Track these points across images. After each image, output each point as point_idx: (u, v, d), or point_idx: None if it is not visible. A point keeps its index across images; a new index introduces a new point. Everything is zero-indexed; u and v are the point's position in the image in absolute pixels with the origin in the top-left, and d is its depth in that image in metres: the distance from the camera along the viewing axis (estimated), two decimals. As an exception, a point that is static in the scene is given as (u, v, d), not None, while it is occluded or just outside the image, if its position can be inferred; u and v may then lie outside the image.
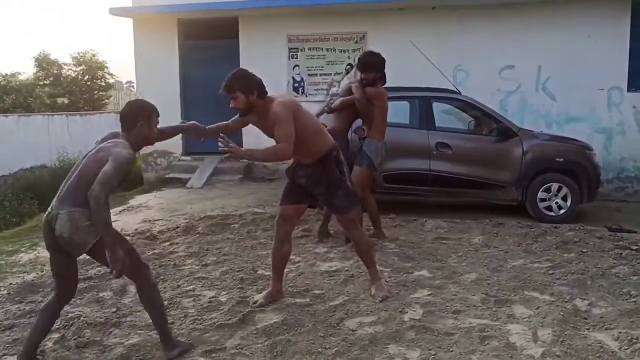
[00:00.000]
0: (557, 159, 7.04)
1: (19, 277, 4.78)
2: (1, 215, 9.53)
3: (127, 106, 3.30)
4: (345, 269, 4.82)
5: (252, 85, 3.61)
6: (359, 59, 5.55)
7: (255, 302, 4.00)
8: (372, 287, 4.20)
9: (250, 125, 3.90)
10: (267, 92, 3.69)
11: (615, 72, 8.97)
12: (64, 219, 2.96)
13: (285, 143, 3.54)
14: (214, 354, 3.28)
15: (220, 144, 3.38)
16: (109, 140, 3.15)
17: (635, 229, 6.41)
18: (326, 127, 7.02)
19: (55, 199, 3.09)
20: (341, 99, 5.55)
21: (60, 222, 2.97)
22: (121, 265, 2.92)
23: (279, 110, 3.58)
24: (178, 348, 3.28)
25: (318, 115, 7.45)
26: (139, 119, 3.17)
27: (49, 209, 3.09)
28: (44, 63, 21.14)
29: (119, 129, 3.21)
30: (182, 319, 3.81)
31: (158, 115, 3.28)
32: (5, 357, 3.31)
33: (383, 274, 4.66)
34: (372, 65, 5.45)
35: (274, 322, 3.70)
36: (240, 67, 3.71)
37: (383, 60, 5.50)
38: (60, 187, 3.12)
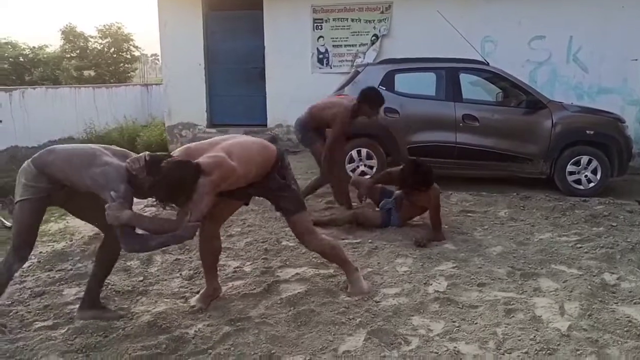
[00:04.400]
0: (588, 131, 6.87)
1: (49, 245, 4.87)
2: (31, 186, 9.72)
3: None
4: (369, 240, 4.81)
5: (188, 182, 2.98)
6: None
7: (193, 307, 3.56)
8: (348, 284, 3.78)
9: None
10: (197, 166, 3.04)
11: (649, 42, 8.68)
12: None
13: (196, 218, 3.04)
14: (239, 323, 3.32)
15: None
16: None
17: (667, 203, 6.27)
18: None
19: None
20: None
21: None
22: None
23: (202, 185, 3.00)
24: (94, 312, 3.36)
25: (343, 86, 7.46)
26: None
27: None
28: (70, 36, 21.28)
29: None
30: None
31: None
32: (37, 322, 3.39)
33: (407, 246, 4.65)
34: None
35: (298, 292, 3.72)
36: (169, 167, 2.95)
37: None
38: None
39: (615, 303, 3.57)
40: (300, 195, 3.66)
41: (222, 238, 4.92)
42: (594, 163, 6.79)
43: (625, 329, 3.17)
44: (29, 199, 3.08)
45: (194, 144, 3.40)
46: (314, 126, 5.73)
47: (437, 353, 2.97)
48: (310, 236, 3.63)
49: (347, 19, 9.83)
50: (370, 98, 5.49)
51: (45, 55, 20.60)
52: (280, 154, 3.51)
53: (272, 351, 2.99)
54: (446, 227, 5.25)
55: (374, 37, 9.74)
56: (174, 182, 2.94)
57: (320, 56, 10.01)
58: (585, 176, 6.82)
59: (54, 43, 23.06)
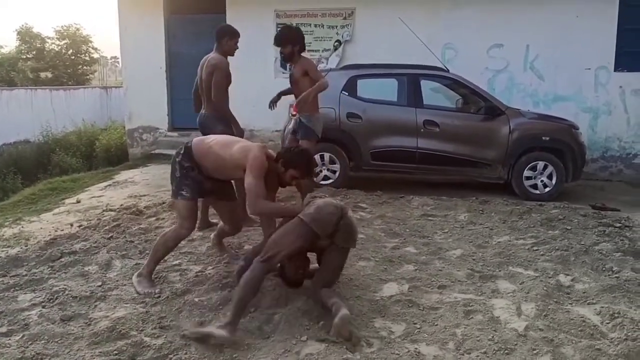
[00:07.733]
0: (543, 138, 7.07)
1: (3, 251, 4.72)
2: (-16, 190, 9.42)
3: None
4: (332, 244, 4.82)
5: None
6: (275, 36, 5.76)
7: None
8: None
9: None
10: None
11: (602, 51, 8.97)
12: None
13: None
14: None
15: None
16: None
17: (619, 207, 6.50)
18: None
19: None
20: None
21: None
22: None
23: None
24: None
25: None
26: None
27: None
28: (26, 36, 20.79)
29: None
30: (169, 293, 3.80)
31: None
32: (-10, 329, 3.28)
33: (369, 250, 4.69)
34: (286, 39, 5.64)
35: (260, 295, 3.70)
36: None
37: (298, 33, 5.74)
38: None
39: (569, 303, 3.67)
40: None
41: (183, 242, 4.89)
42: (550, 168, 6.99)
43: (579, 329, 3.27)
44: None
45: None
46: None
47: (399, 354, 3.00)
48: None
49: (310, 25, 9.86)
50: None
51: (-1, 56, 20.06)
52: None
53: (235, 355, 2.98)
54: (407, 230, 5.32)
55: (336, 43, 9.81)
56: None
57: (283, 61, 10.00)
58: (541, 181, 7.02)
59: (9, 44, 22.49)
